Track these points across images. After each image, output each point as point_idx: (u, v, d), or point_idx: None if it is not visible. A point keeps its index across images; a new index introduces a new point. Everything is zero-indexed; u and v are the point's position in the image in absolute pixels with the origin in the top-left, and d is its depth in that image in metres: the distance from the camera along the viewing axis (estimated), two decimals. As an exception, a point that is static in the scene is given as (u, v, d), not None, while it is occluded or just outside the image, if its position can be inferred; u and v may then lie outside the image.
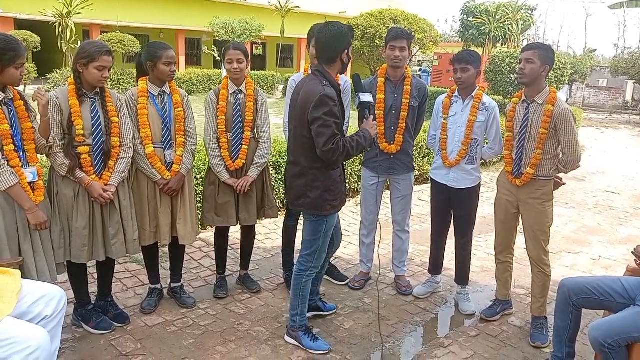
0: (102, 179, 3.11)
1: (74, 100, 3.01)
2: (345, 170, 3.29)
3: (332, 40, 2.95)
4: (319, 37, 3.00)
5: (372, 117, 3.11)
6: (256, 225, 4.00)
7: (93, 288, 3.55)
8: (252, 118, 3.67)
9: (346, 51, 3.00)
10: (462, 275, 3.97)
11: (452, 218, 3.91)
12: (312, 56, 3.55)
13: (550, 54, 3.29)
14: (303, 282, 3.23)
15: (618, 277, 2.99)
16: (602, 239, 5.74)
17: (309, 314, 3.49)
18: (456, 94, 3.75)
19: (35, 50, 18.09)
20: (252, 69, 24.40)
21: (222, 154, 3.63)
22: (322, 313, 3.67)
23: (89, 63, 2.98)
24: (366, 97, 3.09)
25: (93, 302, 3.44)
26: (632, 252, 2.86)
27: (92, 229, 3.11)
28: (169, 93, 3.44)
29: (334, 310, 3.76)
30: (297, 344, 3.29)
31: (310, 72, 3.12)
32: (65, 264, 3.13)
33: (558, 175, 3.50)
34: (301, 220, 4.14)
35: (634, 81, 20.82)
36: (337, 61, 3.00)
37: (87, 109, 3.06)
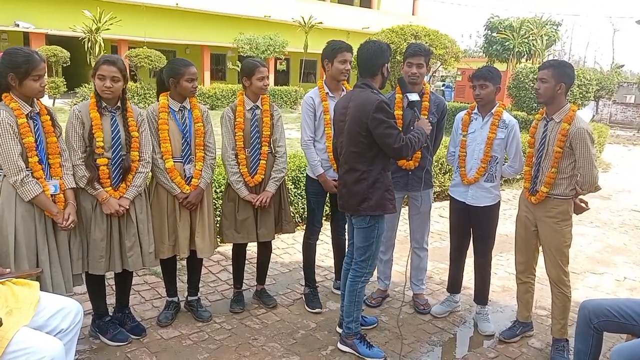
0: (119, 191, 3.15)
1: (95, 113, 3.08)
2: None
3: (373, 56, 3.20)
4: (361, 53, 3.24)
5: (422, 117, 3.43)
6: (274, 240, 4.00)
7: (111, 300, 3.59)
8: (269, 133, 3.70)
9: (386, 65, 3.24)
10: (482, 294, 3.90)
11: (472, 236, 3.85)
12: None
13: (566, 70, 3.23)
14: (358, 289, 3.33)
15: (642, 299, 2.91)
16: (628, 260, 5.59)
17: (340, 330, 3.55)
18: (476, 110, 3.72)
19: (64, 65, 18.61)
20: (275, 84, 24.66)
21: (241, 170, 3.65)
22: (362, 327, 3.62)
23: (94, 74, 3.07)
24: (414, 97, 3.38)
25: (110, 314, 3.48)
26: None
27: (110, 241, 3.16)
28: (189, 108, 3.49)
29: (375, 324, 3.77)
30: (352, 351, 3.35)
31: (354, 86, 3.31)
32: (84, 275, 3.17)
33: (582, 198, 3.42)
34: (322, 237, 4.15)
35: (662, 98, 20.42)
36: (379, 74, 3.24)
37: (107, 122, 3.12)
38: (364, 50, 3.22)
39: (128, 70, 3.35)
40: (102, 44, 18.33)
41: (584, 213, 3.50)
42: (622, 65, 33.38)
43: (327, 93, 3.84)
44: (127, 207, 3.15)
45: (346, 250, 3.63)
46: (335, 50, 3.71)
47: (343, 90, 3.91)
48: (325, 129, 3.82)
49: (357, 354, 3.34)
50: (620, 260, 5.55)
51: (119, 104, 3.18)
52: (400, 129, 3.81)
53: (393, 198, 3.24)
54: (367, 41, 3.29)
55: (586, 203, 3.45)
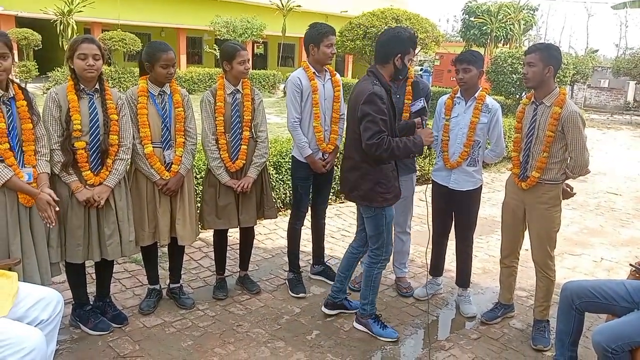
0: (100, 176, 3.08)
1: (72, 95, 2.99)
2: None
3: (388, 43, 3.13)
4: (380, 37, 3.20)
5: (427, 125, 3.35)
6: (256, 226, 3.97)
7: (92, 288, 3.52)
8: (250, 117, 3.64)
9: (400, 55, 3.11)
10: (463, 277, 3.93)
11: (453, 220, 3.88)
12: (325, 56, 3.73)
13: (553, 52, 3.22)
14: (374, 275, 3.42)
15: (622, 280, 2.96)
16: (604, 241, 5.71)
17: (334, 312, 3.65)
18: (459, 94, 3.71)
19: (36, 48, 18.09)
20: (253, 68, 24.39)
21: (222, 156, 3.60)
22: (346, 311, 3.71)
23: (73, 54, 2.97)
24: (416, 106, 3.30)
25: (91, 303, 3.42)
26: (631, 265, 2.82)
27: (88, 229, 3.09)
28: (169, 93, 3.42)
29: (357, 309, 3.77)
30: (367, 330, 3.47)
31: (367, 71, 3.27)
32: (64, 264, 3.10)
33: (569, 184, 3.45)
34: (306, 224, 4.14)
35: (635, 82, 20.78)
36: (390, 63, 3.14)
37: (85, 105, 3.04)
38: (383, 34, 3.20)
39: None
40: (75, 27, 17.85)
41: (570, 198, 3.53)
42: (597, 50, 33.93)
43: (314, 73, 3.80)
44: (104, 198, 3.06)
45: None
46: (322, 34, 3.67)
47: (327, 71, 3.88)
48: (314, 109, 3.79)
49: (371, 333, 3.44)
50: (597, 242, 5.66)
51: (97, 86, 3.09)
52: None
53: (386, 192, 3.22)
54: (390, 27, 3.26)
55: (572, 188, 3.48)
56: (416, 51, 3.83)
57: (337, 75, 4.00)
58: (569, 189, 3.45)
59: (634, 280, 2.86)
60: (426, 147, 3.23)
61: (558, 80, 12.53)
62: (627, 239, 5.84)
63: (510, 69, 12.58)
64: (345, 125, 4.03)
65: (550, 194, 3.34)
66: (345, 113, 3.99)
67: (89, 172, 3.04)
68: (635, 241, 5.76)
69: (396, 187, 3.30)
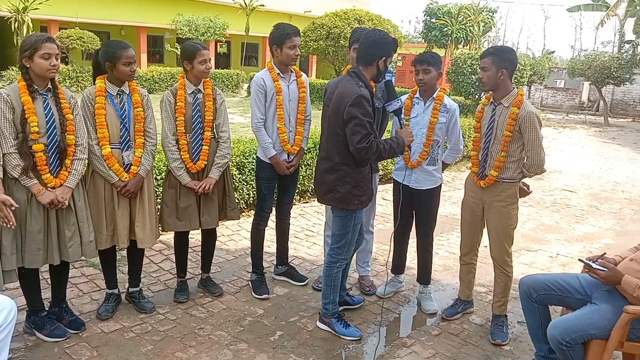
0: (59, 178, 3.00)
1: (26, 96, 2.89)
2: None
3: (372, 45, 3.14)
4: (363, 40, 3.19)
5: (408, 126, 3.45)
6: (219, 227, 3.92)
7: (46, 294, 3.42)
8: (212, 118, 3.60)
9: (384, 58, 3.15)
10: (424, 274, 3.99)
11: (414, 218, 3.93)
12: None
13: (506, 55, 3.28)
14: (334, 273, 3.44)
15: (576, 274, 3.07)
16: (560, 237, 5.89)
17: (339, 308, 3.63)
18: (417, 95, 3.77)
19: (-12, 46, 17.44)
20: (216, 67, 24.13)
21: (182, 156, 3.55)
22: (350, 307, 3.78)
23: (34, 54, 2.87)
24: (392, 107, 3.27)
25: (46, 309, 3.32)
26: (581, 260, 2.92)
27: (48, 232, 3.00)
28: (128, 92, 3.35)
29: (362, 303, 3.86)
30: (330, 329, 3.48)
31: (347, 72, 3.29)
32: (16, 270, 3.00)
33: (525, 182, 3.54)
34: (270, 224, 4.13)
35: (589, 82, 21.47)
36: (374, 65, 3.16)
37: (40, 105, 2.95)
38: (366, 37, 3.18)
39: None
40: (31, 25, 17.27)
41: (527, 196, 3.63)
42: (553, 52, 34.94)
43: (279, 74, 3.78)
44: (67, 198, 2.99)
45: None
46: (284, 36, 3.67)
47: (292, 72, 3.87)
48: (277, 110, 3.77)
49: (334, 332, 3.45)
50: (553, 238, 5.84)
51: (49, 85, 3.00)
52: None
53: (362, 194, 3.24)
54: (374, 29, 3.26)
55: (528, 186, 3.58)
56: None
57: (304, 76, 3.98)
58: (525, 187, 3.55)
59: (586, 274, 2.96)
60: (407, 146, 3.29)
61: (515, 80, 12.86)
62: (582, 234, 6.04)
63: (470, 69, 12.82)
64: (310, 127, 4.04)
65: (507, 192, 3.42)
66: (311, 114, 4.01)
67: (49, 174, 2.96)
68: (589, 237, 5.96)
69: (370, 188, 3.35)
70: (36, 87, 2.94)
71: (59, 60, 2.95)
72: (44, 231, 2.98)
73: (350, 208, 3.24)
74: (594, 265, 2.71)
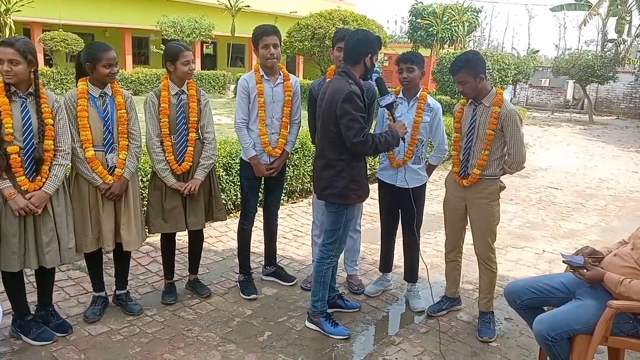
0: (35, 182, 2.97)
1: (3, 98, 2.87)
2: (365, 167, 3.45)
3: (358, 44, 3.20)
4: (348, 40, 3.26)
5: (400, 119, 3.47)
6: (206, 229, 3.91)
7: (33, 297, 3.38)
8: (196, 119, 3.59)
9: (370, 55, 3.22)
10: (412, 272, 4.02)
11: (401, 217, 3.95)
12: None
13: (476, 61, 3.29)
14: (324, 270, 3.45)
15: (558, 274, 3.12)
16: (546, 234, 5.95)
17: (329, 310, 3.62)
18: (400, 94, 3.79)
19: (-30, 49, 17.17)
20: (202, 69, 24.05)
21: (167, 158, 3.53)
22: (343, 310, 3.77)
23: None
24: (385, 101, 3.31)
25: (33, 313, 3.28)
26: (564, 262, 2.96)
27: (24, 236, 2.97)
28: (110, 94, 3.32)
29: (357, 309, 3.82)
30: (318, 329, 3.48)
31: (336, 72, 3.37)
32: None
33: (500, 179, 3.58)
34: (256, 223, 4.13)
35: (573, 81, 21.71)
36: (361, 63, 3.21)
37: (18, 108, 2.92)
38: (351, 37, 3.25)
39: (38, 53, 3.12)
40: (13, 27, 17.09)
41: (504, 191, 3.68)
42: (538, 51, 35.34)
43: (263, 76, 3.79)
44: (42, 205, 2.95)
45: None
46: (256, 37, 3.73)
47: (280, 74, 3.87)
48: (259, 112, 3.77)
49: (323, 332, 3.45)
50: (539, 235, 5.90)
51: (30, 89, 2.97)
52: None
53: (359, 189, 3.28)
54: (358, 29, 3.33)
55: (503, 183, 3.62)
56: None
57: (292, 79, 3.93)
58: (501, 184, 3.60)
59: (568, 273, 3.01)
60: (401, 138, 3.32)
61: (500, 80, 12.98)
62: (567, 231, 6.11)
63: (456, 69, 12.92)
64: (297, 131, 4.04)
65: (490, 188, 3.46)
66: (300, 118, 4.00)
67: (24, 177, 2.93)
68: (575, 234, 6.03)
69: (366, 183, 3.38)
70: (15, 89, 2.92)
71: (18, 66, 2.85)
72: (20, 235, 2.95)
73: (348, 203, 3.28)
74: (573, 263, 2.76)
